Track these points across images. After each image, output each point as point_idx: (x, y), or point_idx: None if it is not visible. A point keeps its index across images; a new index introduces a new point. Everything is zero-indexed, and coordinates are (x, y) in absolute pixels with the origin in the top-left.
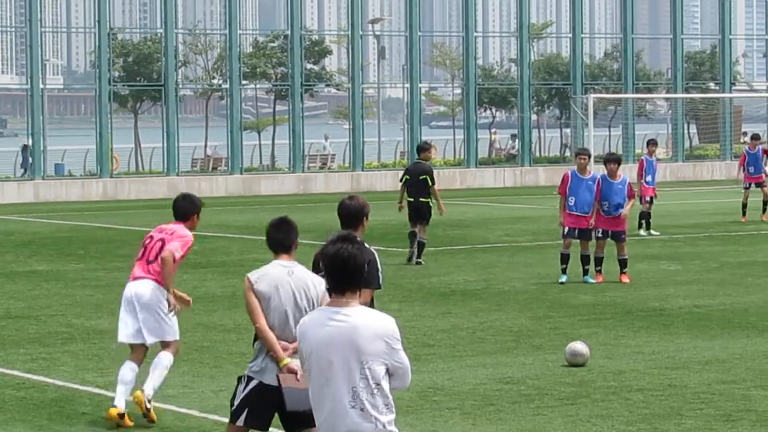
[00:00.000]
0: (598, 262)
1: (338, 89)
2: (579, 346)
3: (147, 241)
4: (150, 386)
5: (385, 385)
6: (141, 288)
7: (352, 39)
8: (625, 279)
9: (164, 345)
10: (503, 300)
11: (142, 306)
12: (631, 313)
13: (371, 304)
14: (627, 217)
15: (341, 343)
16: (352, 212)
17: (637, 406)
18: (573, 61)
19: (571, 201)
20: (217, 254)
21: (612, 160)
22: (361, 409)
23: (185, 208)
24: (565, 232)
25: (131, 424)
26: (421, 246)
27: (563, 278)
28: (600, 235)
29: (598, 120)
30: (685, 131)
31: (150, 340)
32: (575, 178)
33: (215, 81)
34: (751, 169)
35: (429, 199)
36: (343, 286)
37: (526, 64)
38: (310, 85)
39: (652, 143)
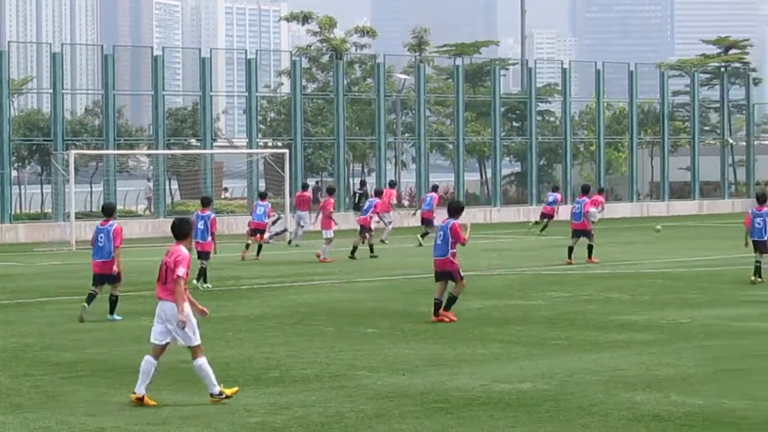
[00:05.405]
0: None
1: None
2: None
3: (162, 265)
4: (211, 386)
5: None
6: (164, 306)
7: None
8: None
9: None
10: None
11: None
12: (114, 370)
13: None
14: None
15: None
16: None
17: None
18: (54, 116)
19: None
20: None
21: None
22: None
23: (182, 228)
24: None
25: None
26: None
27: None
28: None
29: (80, 176)
30: (168, 187)
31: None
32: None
33: None
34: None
35: None
36: None
37: (5, 119)
38: None
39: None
